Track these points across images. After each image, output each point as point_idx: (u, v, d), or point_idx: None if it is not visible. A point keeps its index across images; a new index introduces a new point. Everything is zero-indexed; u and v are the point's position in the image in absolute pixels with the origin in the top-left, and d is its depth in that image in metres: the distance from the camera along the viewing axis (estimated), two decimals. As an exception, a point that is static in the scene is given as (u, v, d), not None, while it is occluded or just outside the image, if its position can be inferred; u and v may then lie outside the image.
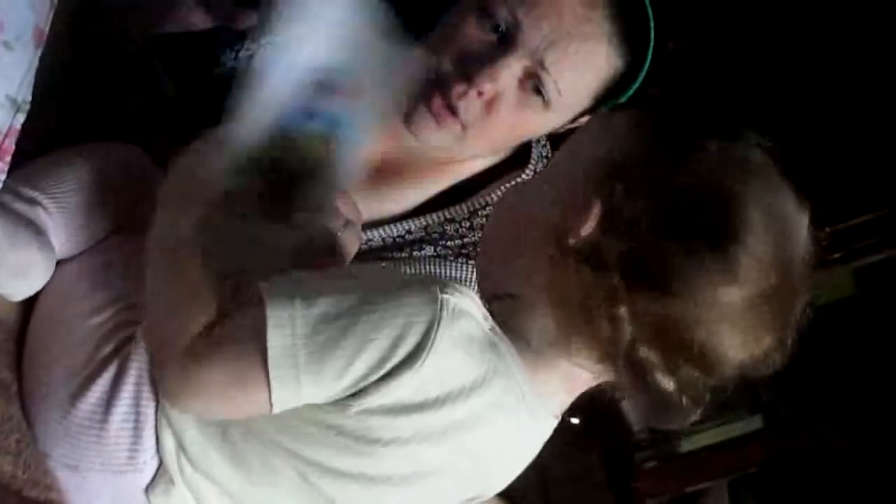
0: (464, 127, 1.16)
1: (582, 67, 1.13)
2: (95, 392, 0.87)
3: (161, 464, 0.87)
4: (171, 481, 0.87)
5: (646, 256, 0.79)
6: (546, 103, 1.13)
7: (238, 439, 0.85)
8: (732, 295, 0.79)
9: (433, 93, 1.16)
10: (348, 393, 0.79)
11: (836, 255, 2.04)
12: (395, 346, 0.77)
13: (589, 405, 2.47)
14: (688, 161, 0.81)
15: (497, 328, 0.84)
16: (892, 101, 2.14)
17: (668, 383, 0.82)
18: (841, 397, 2.31)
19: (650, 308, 0.79)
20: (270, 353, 0.77)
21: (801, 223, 0.83)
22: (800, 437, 2.34)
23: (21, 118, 0.88)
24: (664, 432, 2.37)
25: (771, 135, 0.86)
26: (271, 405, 0.79)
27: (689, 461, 2.38)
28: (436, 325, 0.78)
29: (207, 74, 1.21)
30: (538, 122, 1.18)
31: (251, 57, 1.22)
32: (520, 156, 1.27)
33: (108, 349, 0.89)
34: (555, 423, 0.90)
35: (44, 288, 0.94)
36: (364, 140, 0.98)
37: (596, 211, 0.80)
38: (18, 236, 0.90)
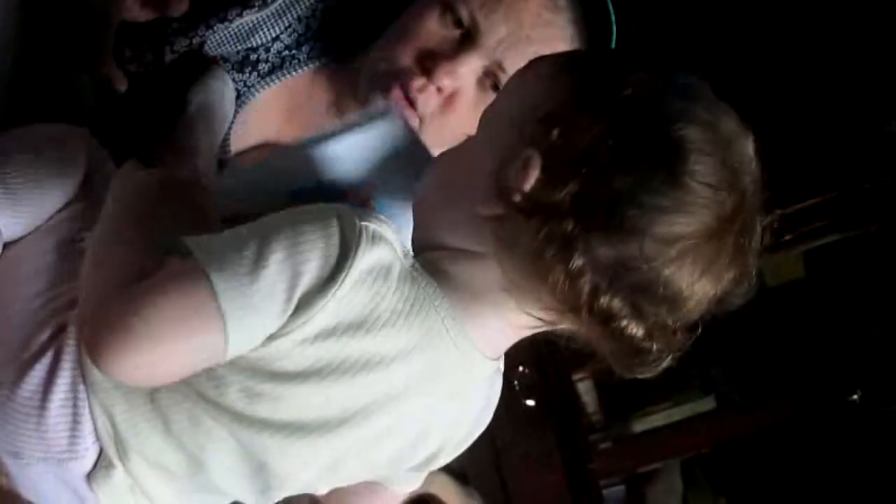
0: (421, 121, 1.16)
1: None
2: (33, 378, 0.86)
3: (102, 449, 0.86)
4: (112, 465, 0.86)
5: (595, 196, 0.77)
6: None
7: (165, 403, 0.84)
8: (689, 224, 0.78)
9: (393, 85, 1.16)
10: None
11: (787, 238, 2.07)
12: (322, 268, 0.78)
13: (544, 387, 2.48)
14: (619, 92, 0.80)
15: (418, 266, 0.83)
16: (841, 86, 2.17)
17: (636, 329, 0.80)
18: (790, 378, 2.35)
19: (608, 252, 0.77)
20: (221, 296, 0.77)
21: (745, 141, 0.81)
22: (751, 417, 2.37)
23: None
24: (618, 413, 2.40)
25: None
26: (227, 347, 0.78)
27: (643, 441, 2.41)
28: (353, 248, 0.78)
29: (158, 62, 1.20)
30: None
31: (203, 43, 1.21)
32: None
33: (45, 335, 0.87)
34: (493, 366, 0.87)
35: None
36: None
37: (536, 163, 0.79)
38: None
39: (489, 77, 1.15)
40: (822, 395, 2.31)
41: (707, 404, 2.40)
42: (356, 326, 0.80)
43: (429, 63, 1.14)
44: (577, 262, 0.77)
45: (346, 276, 0.78)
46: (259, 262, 0.78)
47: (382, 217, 0.82)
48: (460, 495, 2.00)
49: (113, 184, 0.91)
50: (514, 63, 1.13)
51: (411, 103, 1.15)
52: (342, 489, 0.95)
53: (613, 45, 1.19)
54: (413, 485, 0.97)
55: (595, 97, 0.80)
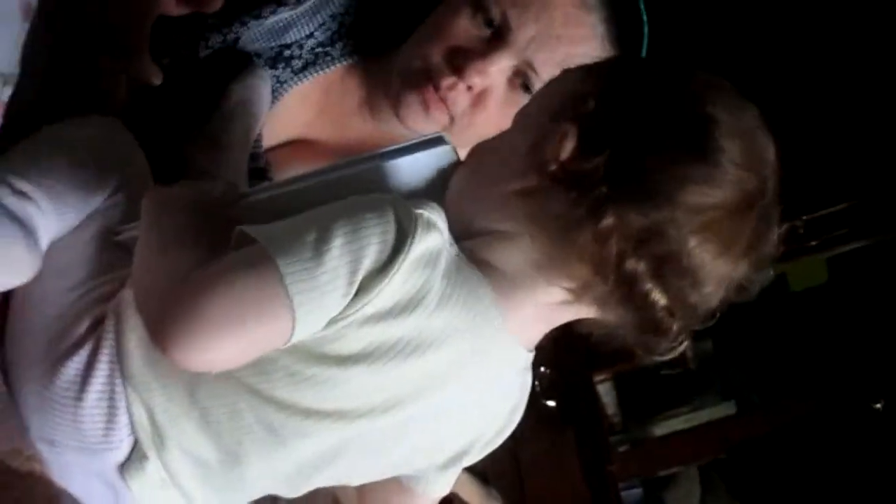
0: (451, 119, 1.17)
1: None
2: (71, 368, 0.86)
3: (136, 441, 0.87)
4: (146, 457, 0.87)
5: (627, 164, 0.80)
6: None
7: (205, 397, 0.85)
8: (714, 196, 0.80)
9: (424, 83, 1.17)
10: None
11: (811, 244, 2.06)
12: (381, 252, 0.80)
13: (564, 388, 2.47)
14: (653, 80, 0.84)
15: (463, 256, 0.85)
16: (863, 95, 2.16)
17: (659, 297, 0.82)
18: (813, 384, 2.34)
19: (636, 218, 0.80)
20: (288, 278, 0.78)
21: (767, 137, 0.85)
22: (771, 423, 2.37)
23: (8, 91, 0.88)
24: (637, 416, 2.40)
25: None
26: (293, 329, 0.79)
27: (662, 445, 2.41)
28: (410, 234, 0.80)
29: (193, 57, 1.21)
30: None
31: (237, 39, 1.22)
32: None
33: (83, 326, 0.88)
34: (527, 358, 0.89)
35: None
36: None
37: (573, 135, 0.82)
38: (5, 232, 0.89)
39: (519, 76, 1.16)
40: (845, 401, 2.30)
41: (727, 409, 2.40)
42: (409, 309, 0.81)
43: (459, 61, 1.16)
44: (606, 222, 0.80)
45: (403, 259, 0.80)
46: (321, 246, 0.79)
47: (434, 204, 0.84)
48: (481, 495, 2.01)
49: (146, 204, 0.90)
50: (544, 62, 1.14)
51: (442, 101, 1.16)
52: (373, 488, 0.96)
53: (645, 46, 1.20)
54: (443, 489, 0.98)
55: (628, 82, 0.84)
